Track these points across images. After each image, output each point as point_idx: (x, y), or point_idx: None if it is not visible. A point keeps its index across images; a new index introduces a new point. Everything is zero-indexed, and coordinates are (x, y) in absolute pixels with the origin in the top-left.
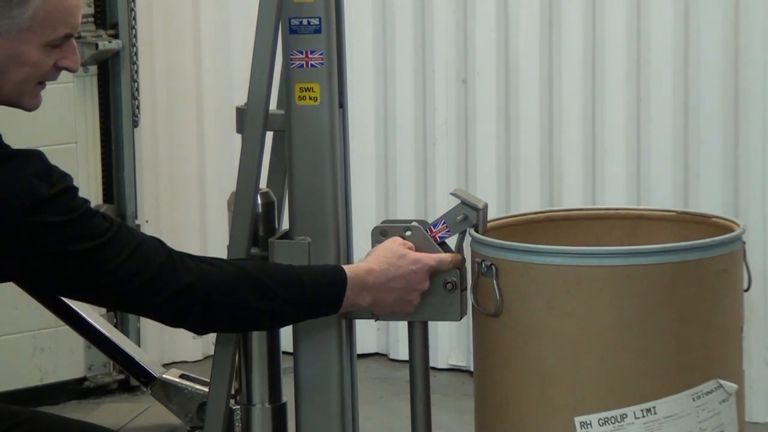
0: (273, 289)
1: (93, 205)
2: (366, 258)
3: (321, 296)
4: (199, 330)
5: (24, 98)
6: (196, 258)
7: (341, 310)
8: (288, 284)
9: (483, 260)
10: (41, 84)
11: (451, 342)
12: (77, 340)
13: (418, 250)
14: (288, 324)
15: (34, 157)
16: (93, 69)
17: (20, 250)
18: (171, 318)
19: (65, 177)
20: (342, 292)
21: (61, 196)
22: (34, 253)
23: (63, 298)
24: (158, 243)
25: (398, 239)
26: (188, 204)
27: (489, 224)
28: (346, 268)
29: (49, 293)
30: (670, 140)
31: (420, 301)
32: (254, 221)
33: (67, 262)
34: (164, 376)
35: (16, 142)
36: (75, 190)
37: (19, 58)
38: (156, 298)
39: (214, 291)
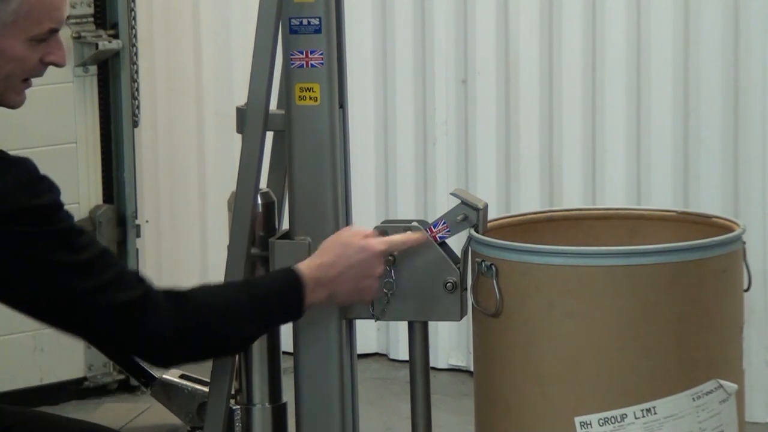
0: (235, 318)
1: (93, 205)
2: (317, 251)
3: (278, 303)
4: (166, 366)
5: (8, 95)
6: (169, 297)
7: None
8: (250, 307)
9: (483, 260)
10: (27, 81)
11: (451, 342)
12: (77, 340)
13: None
14: (256, 339)
15: (21, 164)
16: (93, 69)
17: None
18: (135, 354)
19: (51, 190)
20: (301, 296)
21: (44, 210)
22: (6, 261)
23: None
24: (136, 278)
25: (351, 228)
26: (188, 204)
27: (489, 224)
28: (298, 268)
29: (16, 306)
30: (670, 140)
31: (377, 286)
32: (254, 221)
33: (39, 275)
34: (164, 376)
35: (15, 142)
36: (60, 205)
37: (4, 54)
38: (118, 337)
39: (181, 336)
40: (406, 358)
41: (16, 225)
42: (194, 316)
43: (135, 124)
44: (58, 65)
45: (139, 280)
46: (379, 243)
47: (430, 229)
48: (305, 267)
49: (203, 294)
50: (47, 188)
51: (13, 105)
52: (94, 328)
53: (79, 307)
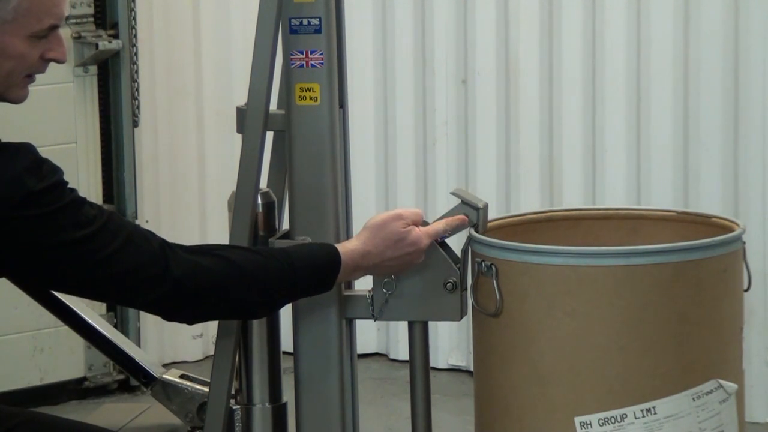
0: (265, 282)
1: None
2: (364, 235)
3: (313, 281)
4: (191, 322)
5: (11, 91)
6: (189, 249)
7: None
8: (280, 275)
9: (483, 260)
10: (29, 77)
11: (451, 342)
12: (77, 340)
13: None
14: (281, 308)
15: (24, 150)
16: (93, 69)
17: (8, 244)
18: (162, 311)
19: (56, 171)
20: (335, 275)
21: (51, 191)
22: (23, 246)
23: (62, 299)
24: (150, 234)
25: (401, 216)
26: (188, 204)
27: (489, 224)
28: (342, 249)
29: (39, 287)
30: (670, 140)
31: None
32: (254, 221)
33: (57, 254)
34: (164, 376)
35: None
36: (64, 184)
37: (5, 51)
38: (147, 292)
39: (206, 287)
40: (406, 358)
41: (27, 210)
42: (214, 270)
43: (135, 124)
44: (58, 62)
45: (152, 236)
46: (427, 237)
47: None
48: (350, 251)
49: (229, 250)
50: (51, 170)
51: (16, 100)
52: (120, 293)
53: (106, 275)
